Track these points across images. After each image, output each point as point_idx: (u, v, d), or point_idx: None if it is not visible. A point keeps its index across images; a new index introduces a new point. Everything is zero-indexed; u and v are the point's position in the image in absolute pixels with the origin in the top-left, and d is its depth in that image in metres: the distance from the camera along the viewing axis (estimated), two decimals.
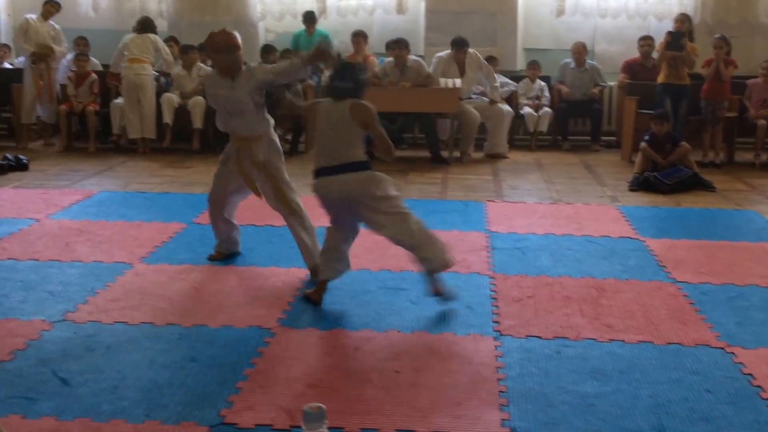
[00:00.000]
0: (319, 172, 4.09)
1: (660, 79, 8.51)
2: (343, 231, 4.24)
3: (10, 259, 4.98)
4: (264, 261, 4.99)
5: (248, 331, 3.88)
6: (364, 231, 4.30)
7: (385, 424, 3.01)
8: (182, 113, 9.13)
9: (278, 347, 3.71)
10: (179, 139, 9.34)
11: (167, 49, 9.25)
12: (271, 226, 5.72)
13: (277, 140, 4.72)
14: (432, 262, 4.11)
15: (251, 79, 4.48)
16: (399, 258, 4.81)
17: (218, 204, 4.85)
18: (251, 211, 6.05)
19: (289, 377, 3.39)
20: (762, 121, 8.50)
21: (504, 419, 3.04)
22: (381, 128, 4.09)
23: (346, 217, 4.18)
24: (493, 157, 8.98)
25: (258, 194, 4.70)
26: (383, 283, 4.59)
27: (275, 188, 4.60)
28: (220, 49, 4.47)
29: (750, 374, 3.43)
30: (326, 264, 4.26)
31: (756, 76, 8.86)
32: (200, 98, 8.85)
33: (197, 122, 9.04)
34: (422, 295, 4.30)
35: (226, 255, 5.01)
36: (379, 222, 4.07)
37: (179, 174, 7.93)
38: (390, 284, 4.57)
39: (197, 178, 7.51)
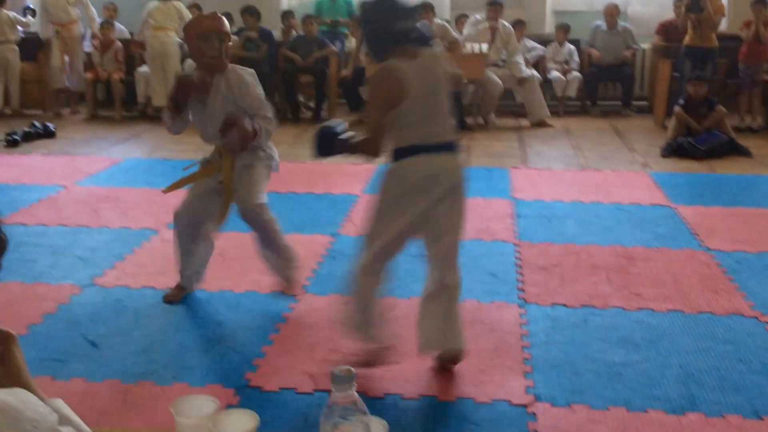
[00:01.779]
0: (417, 149, 2.98)
1: (684, 41, 8.31)
2: (388, 266, 3.17)
3: (39, 224, 5.03)
4: (287, 227, 4.95)
5: (273, 296, 3.88)
6: None
7: (408, 389, 3.01)
8: None
9: (302, 313, 3.71)
10: None
11: (191, 16, 9.20)
12: (294, 193, 5.72)
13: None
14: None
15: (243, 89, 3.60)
16: None
17: (195, 223, 3.78)
18: (272, 179, 6.04)
19: (312, 342, 3.39)
20: None
21: (528, 386, 3.03)
22: None
23: (414, 232, 3.11)
24: (540, 125, 8.80)
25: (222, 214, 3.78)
26: (407, 249, 4.55)
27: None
28: (207, 35, 3.52)
29: None
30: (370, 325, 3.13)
31: None
32: None
33: None
34: None
35: (185, 293, 3.94)
36: (456, 223, 3.11)
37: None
38: (413, 251, 4.53)
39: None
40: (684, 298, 3.88)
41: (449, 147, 3.03)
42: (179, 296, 3.88)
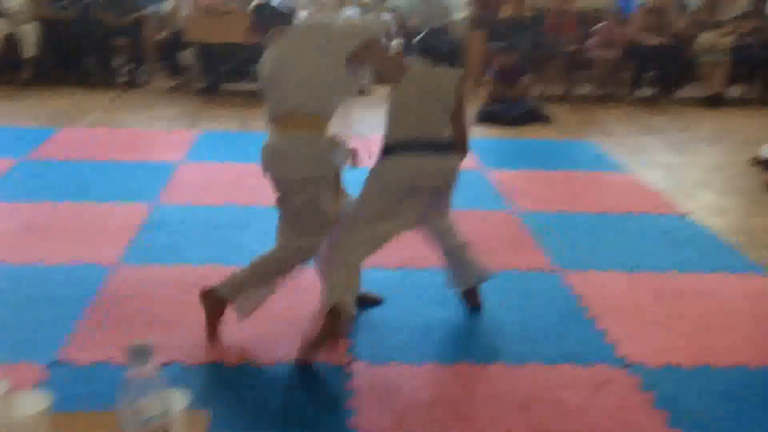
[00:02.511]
0: (401, 147, 3.08)
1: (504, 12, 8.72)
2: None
3: None
4: (104, 196, 4.82)
5: (86, 268, 3.76)
6: None
7: (227, 356, 3.04)
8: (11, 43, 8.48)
9: (118, 284, 3.63)
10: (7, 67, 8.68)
11: None
12: (112, 160, 5.54)
13: None
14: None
15: None
16: (246, 193, 4.77)
17: None
18: (86, 146, 5.85)
19: (128, 314, 3.33)
20: (599, 54, 8.88)
21: (348, 347, 3.12)
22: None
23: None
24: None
25: None
26: (229, 218, 4.55)
27: None
28: None
29: (578, 295, 3.67)
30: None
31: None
32: (31, 24, 8.34)
33: (30, 50, 8.46)
34: (269, 231, 4.30)
35: None
36: (444, 215, 3.34)
37: (6, 107, 7.44)
38: (236, 220, 4.54)
39: (28, 112, 7.07)
40: (491, 255, 4.08)
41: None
42: None
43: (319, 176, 2.99)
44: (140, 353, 1.34)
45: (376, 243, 3.12)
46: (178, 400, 1.47)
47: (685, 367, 3.06)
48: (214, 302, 3.13)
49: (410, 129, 3.08)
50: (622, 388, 2.90)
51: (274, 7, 3.32)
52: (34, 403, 1.46)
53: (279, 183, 3.05)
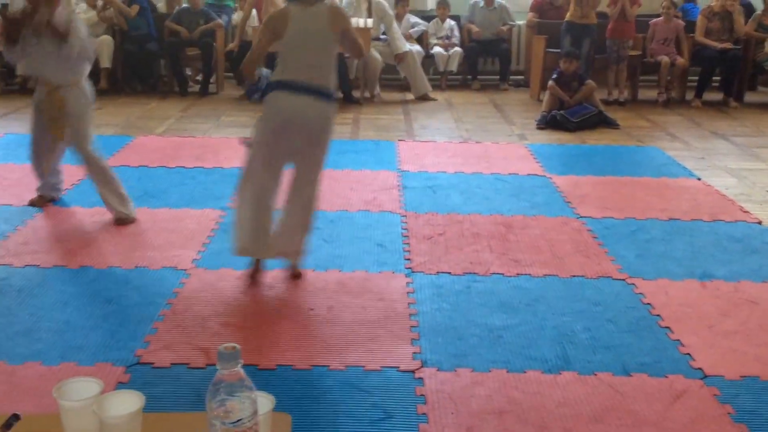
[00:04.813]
0: (283, 85, 3.52)
1: (566, 16, 8.68)
2: (273, 179, 3.66)
3: None
4: (177, 202, 4.95)
5: (163, 272, 3.88)
6: None
7: (299, 359, 3.08)
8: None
9: (193, 288, 3.73)
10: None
11: None
12: (184, 167, 5.67)
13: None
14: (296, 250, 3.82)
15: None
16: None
17: (39, 150, 4.69)
18: (160, 153, 5.99)
19: (204, 317, 3.42)
20: (665, 59, 8.76)
21: (415, 352, 3.16)
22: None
23: (282, 158, 3.64)
24: (423, 99, 8.95)
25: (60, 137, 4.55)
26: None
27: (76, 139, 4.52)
28: None
29: (649, 304, 3.63)
30: (260, 238, 3.69)
31: (658, 15, 9.09)
32: (107, 37, 8.64)
33: (105, 61, 8.75)
34: (334, 234, 4.36)
35: (47, 200, 4.88)
36: (312, 171, 3.68)
37: None
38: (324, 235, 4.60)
39: (105, 120, 7.31)
40: (559, 263, 4.10)
41: (314, 91, 3.50)
42: (40, 202, 4.81)
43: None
44: (230, 355, 1.36)
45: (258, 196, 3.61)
46: (264, 402, 1.50)
47: (764, 379, 3.00)
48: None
49: (294, 73, 3.50)
50: (698, 400, 2.86)
51: None
52: (127, 402, 1.50)
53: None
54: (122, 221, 4.52)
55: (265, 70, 3.60)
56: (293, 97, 3.49)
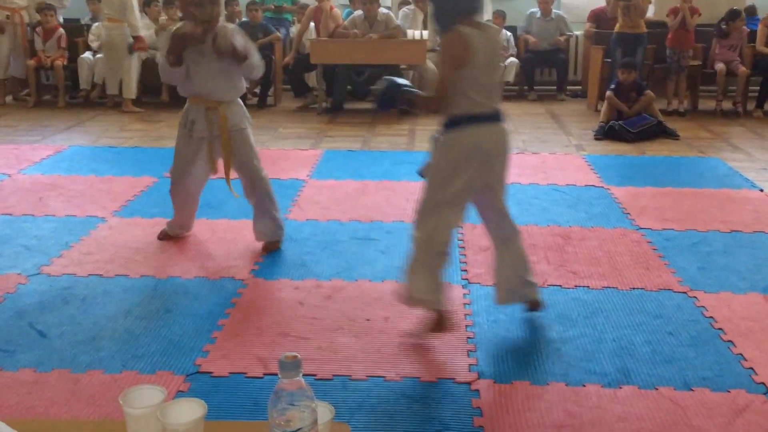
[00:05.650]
0: (477, 118, 3.18)
1: (615, 28, 8.58)
2: (461, 217, 3.35)
3: None
4: (235, 213, 5.02)
5: (222, 282, 3.93)
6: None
7: (356, 370, 3.09)
8: (152, 65, 8.98)
9: (251, 298, 3.77)
10: (148, 92, 9.26)
11: (135, 13, 8.90)
12: None
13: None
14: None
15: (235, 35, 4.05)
16: (368, 208, 4.86)
17: (185, 175, 4.34)
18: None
19: (262, 327, 3.46)
20: (721, 66, 8.60)
21: (472, 364, 3.14)
22: None
23: (472, 193, 3.29)
24: None
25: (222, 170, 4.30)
26: (353, 233, 4.65)
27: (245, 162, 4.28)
28: (201, 2, 3.94)
29: (711, 317, 3.56)
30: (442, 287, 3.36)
31: (718, 25, 8.92)
32: None
33: None
34: (391, 245, 4.37)
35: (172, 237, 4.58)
36: (504, 196, 3.40)
37: (149, 128, 7.88)
38: (360, 234, 4.64)
39: (167, 132, 7.46)
40: (618, 275, 4.05)
41: (500, 117, 3.25)
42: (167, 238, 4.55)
43: None
44: (291, 365, 1.38)
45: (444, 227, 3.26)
46: (324, 412, 1.51)
47: None
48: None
49: (484, 105, 3.18)
50: (761, 415, 2.79)
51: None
52: (190, 410, 1.52)
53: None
54: (270, 247, 4.37)
55: (396, 79, 3.36)
56: (492, 128, 3.22)
